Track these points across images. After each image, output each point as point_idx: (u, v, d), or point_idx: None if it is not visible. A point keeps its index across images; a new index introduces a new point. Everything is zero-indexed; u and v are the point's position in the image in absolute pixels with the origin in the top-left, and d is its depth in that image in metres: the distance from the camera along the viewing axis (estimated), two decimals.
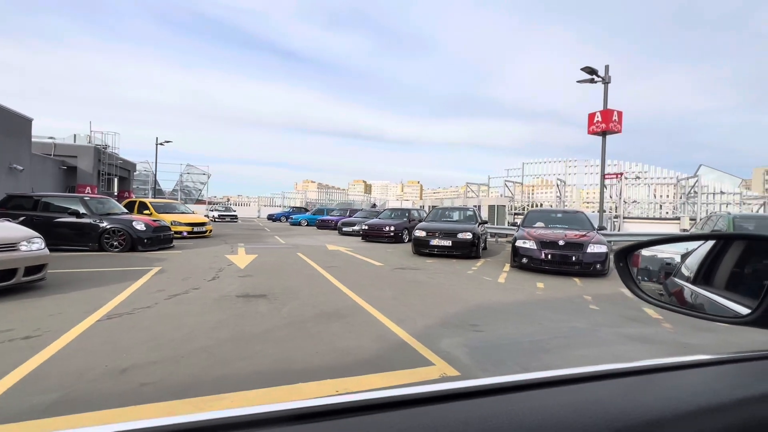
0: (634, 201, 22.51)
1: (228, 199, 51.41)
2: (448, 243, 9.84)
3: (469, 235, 9.80)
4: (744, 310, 0.73)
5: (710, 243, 1.21)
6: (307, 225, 26.40)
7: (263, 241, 13.76)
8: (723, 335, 4.01)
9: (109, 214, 9.76)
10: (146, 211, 13.81)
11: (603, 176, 14.10)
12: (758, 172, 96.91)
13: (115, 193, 29.78)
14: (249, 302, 4.73)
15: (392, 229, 14.34)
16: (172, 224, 12.85)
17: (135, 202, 14.82)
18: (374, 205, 36.99)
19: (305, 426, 0.33)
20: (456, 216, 11.79)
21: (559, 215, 9.59)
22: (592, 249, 7.49)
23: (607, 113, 13.58)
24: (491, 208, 21.71)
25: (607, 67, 13.98)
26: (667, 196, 22.58)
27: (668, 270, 1.31)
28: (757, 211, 18.95)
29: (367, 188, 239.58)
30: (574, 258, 7.49)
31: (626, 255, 1.02)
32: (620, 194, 22.03)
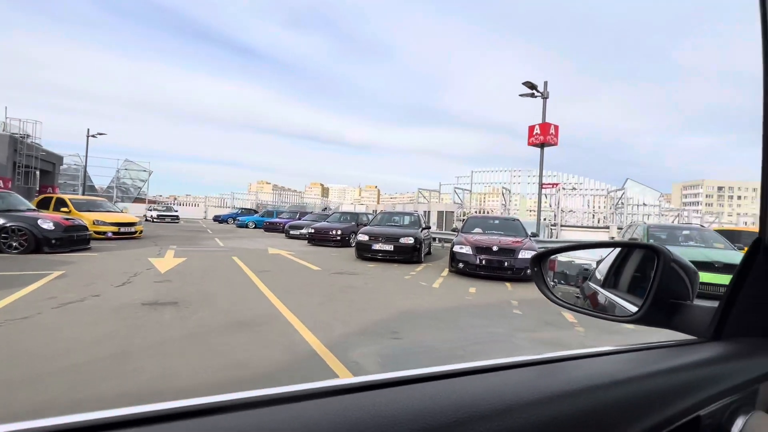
0: (571, 210, 24.07)
1: (175, 199, 48.16)
2: (389, 247, 9.78)
3: (410, 240, 9.82)
4: (635, 310, 0.81)
5: (617, 250, 1.34)
6: (254, 227, 25.36)
7: (200, 243, 12.92)
8: (625, 336, 4.24)
9: (9, 210, 8.60)
10: (64, 209, 12.39)
11: (541, 186, 14.88)
12: (677, 187, 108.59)
13: (37, 188, 26.69)
14: (153, 311, 4.28)
15: (339, 232, 14.09)
16: (94, 224, 11.69)
17: (51, 198, 13.27)
18: (325, 209, 36.39)
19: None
20: (400, 221, 11.81)
21: (497, 222, 9.91)
22: (523, 255, 7.77)
23: (545, 126, 14.38)
24: (440, 213, 22.17)
25: (545, 83, 14.83)
26: (600, 206, 24.43)
27: (585, 275, 1.40)
28: (672, 222, 21.05)
29: (325, 191, 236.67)
30: (506, 263, 7.72)
31: (540, 261, 1.09)
32: (558, 204, 23.48)
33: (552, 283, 1.14)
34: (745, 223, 32.46)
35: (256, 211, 33.07)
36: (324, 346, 3.42)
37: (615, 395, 0.48)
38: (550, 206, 24.64)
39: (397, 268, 9.02)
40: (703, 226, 8.91)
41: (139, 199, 41.02)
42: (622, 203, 22.23)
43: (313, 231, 14.75)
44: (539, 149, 14.78)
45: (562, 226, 22.82)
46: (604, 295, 1.21)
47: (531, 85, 14.29)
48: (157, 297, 4.93)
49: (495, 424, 0.37)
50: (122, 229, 12.64)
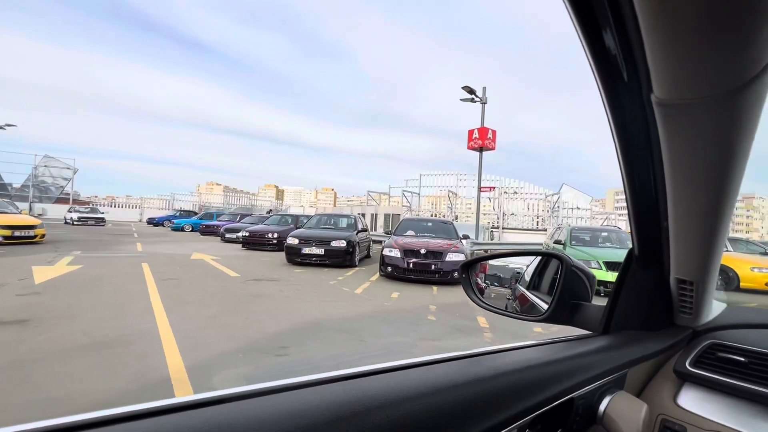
0: (513, 213, 25.01)
1: (114, 199, 43.78)
2: (320, 251, 9.32)
3: (342, 243, 9.43)
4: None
5: (538, 258, 1.41)
6: (191, 231, 23.65)
7: (113, 248, 11.60)
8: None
9: None
10: None
11: (480, 189, 15.17)
12: (610, 192, 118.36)
13: None
14: None
15: (275, 236, 13.36)
16: None
17: None
18: (269, 211, 34.95)
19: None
20: (336, 223, 11.38)
21: (430, 224, 9.81)
22: (450, 257, 7.67)
23: (483, 131, 14.69)
24: (387, 216, 22.04)
25: (484, 89, 15.18)
26: (539, 210, 25.62)
27: (517, 277, 1.49)
28: (602, 224, 22.50)
29: (279, 194, 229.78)
30: (433, 266, 7.57)
31: (468, 268, 1.16)
32: (500, 207, 24.30)
33: (484, 284, 1.23)
34: None
35: (195, 213, 31.01)
36: (184, 370, 2.91)
37: (495, 385, 0.53)
38: (494, 209, 25.47)
39: (326, 272, 8.58)
40: (620, 228, 9.39)
41: (62, 200, 37.05)
42: (558, 207, 23.46)
43: (247, 234, 13.89)
44: (478, 153, 15.07)
45: (504, 228, 23.62)
46: (528, 296, 1.30)
47: (470, 90, 14.54)
48: (5, 314, 4.10)
49: (386, 414, 0.40)
50: (16, 233, 11.01)
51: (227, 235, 16.74)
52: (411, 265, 7.62)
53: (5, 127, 25.64)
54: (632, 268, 0.81)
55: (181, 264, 8.88)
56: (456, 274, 7.60)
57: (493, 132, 14.89)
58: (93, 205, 37.14)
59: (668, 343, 0.80)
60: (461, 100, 15.48)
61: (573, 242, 8.96)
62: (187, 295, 5.62)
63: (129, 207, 41.96)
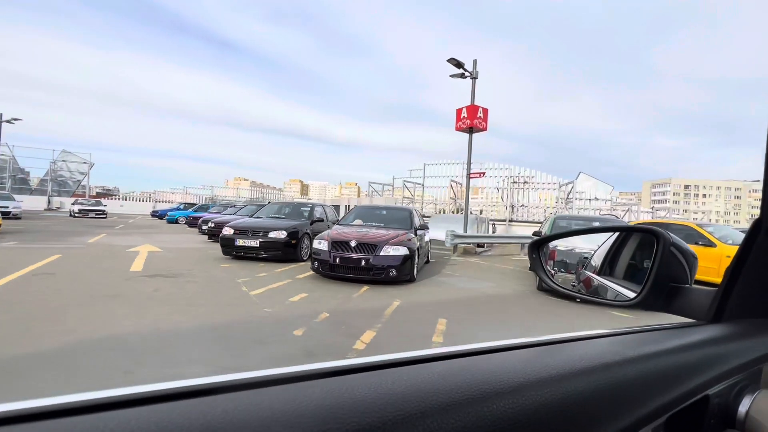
0: (522, 205, 22.97)
1: (132, 193, 44.93)
2: (255, 243, 8.13)
3: (282, 235, 8.19)
4: (632, 295, 0.79)
5: (614, 236, 1.25)
6: (184, 223, 23.26)
7: (63, 239, 10.92)
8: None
9: None
10: None
11: (468, 175, 13.50)
12: (646, 185, 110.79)
13: None
14: None
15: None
16: None
17: None
18: (269, 202, 34.27)
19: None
20: (291, 213, 10.15)
21: (384, 212, 8.36)
22: (386, 251, 6.25)
23: (472, 109, 12.98)
24: None
25: (475, 62, 13.45)
26: (551, 201, 23.41)
27: (584, 263, 1.38)
28: (622, 217, 20.12)
29: (304, 188, 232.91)
30: (363, 262, 6.18)
31: (538, 247, 1.07)
32: (509, 197, 22.36)
33: (552, 271, 1.11)
34: (695, 218, 32.33)
35: (202, 207, 30.84)
36: None
37: (627, 373, 0.46)
38: (503, 200, 23.55)
39: (255, 267, 7.38)
40: (616, 217, 7.63)
41: (80, 194, 38.11)
42: (573, 197, 21.23)
43: (213, 225, 12.99)
44: (468, 134, 13.37)
45: (511, 221, 21.71)
46: (599, 281, 1.20)
47: (457, 63, 12.86)
48: None
49: (510, 400, 0.36)
50: None
51: (203, 227, 15.95)
52: (337, 261, 6.27)
53: (12, 121, 26.11)
54: (759, 242, 0.67)
55: (102, 257, 7.95)
56: (393, 272, 6.18)
57: (485, 110, 13.12)
58: (106, 198, 38.06)
59: None
60: (450, 76, 13.82)
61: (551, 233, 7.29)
62: (35, 294, 4.55)
63: (144, 201, 42.64)
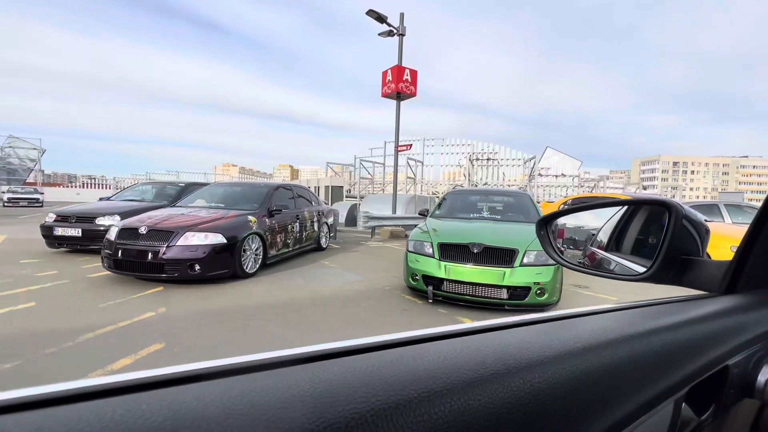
0: (485, 183, 21.38)
1: (91, 178, 42.63)
2: (76, 233, 6.48)
3: (113, 221, 6.53)
4: (641, 269, 0.78)
5: (621, 212, 1.20)
6: None
7: None
8: None
9: None
10: None
11: (396, 149, 11.79)
12: (635, 163, 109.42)
13: None
14: None
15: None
16: None
17: None
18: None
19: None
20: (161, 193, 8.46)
21: (238, 189, 6.68)
22: (186, 240, 4.62)
23: (398, 71, 11.15)
24: (327, 189, 19.03)
25: (402, 15, 11.57)
26: (516, 178, 21.84)
27: (591, 239, 1.33)
28: (589, 194, 18.58)
29: (294, 173, 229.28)
30: (150, 255, 4.55)
31: (546, 223, 1.11)
32: (469, 175, 20.76)
33: (562, 248, 1.15)
34: (683, 196, 31.01)
35: None
36: None
37: (650, 344, 0.46)
38: (464, 177, 21.94)
39: (68, 260, 5.75)
40: (525, 192, 6.03)
41: (29, 182, 35.92)
42: (537, 173, 19.65)
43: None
44: (395, 101, 11.59)
45: None
46: (608, 257, 1.17)
47: (378, 16, 10.97)
48: None
49: (535, 374, 0.35)
50: None
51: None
52: (120, 253, 4.64)
53: None
54: None
55: None
56: (196, 268, 4.57)
57: (413, 72, 11.30)
58: (62, 186, 35.87)
59: None
60: (379, 34, 11.93)
61: (439, 211, 5.69)
62: None
63: (106, 188, 40.44)
